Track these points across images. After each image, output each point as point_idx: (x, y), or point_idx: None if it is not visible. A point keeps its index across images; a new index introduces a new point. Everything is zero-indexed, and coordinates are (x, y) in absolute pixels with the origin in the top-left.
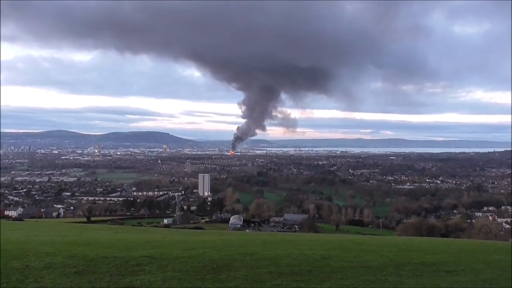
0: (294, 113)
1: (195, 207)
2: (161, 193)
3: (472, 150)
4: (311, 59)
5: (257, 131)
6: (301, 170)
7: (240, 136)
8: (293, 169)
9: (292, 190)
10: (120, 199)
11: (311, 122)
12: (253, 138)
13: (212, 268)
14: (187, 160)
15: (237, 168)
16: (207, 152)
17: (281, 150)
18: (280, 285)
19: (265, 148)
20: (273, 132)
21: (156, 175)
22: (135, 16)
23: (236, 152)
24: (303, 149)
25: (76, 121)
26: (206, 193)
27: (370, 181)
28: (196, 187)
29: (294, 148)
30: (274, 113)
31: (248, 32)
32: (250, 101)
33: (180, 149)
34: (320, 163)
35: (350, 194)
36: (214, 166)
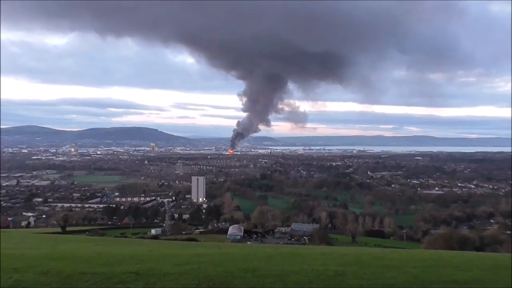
0: (304, 106)
1: (187, 215)
2: (148, 199)
3: None
4: (324, 43)
5: (260, 126)
6: (312, 173)
7: (241, 133)
8: (302, 171)
9: (301, 195)
10: (101, 206)
11: (324, 117)
12: (255, 135)
13: (208, 286)
14: (179, 161)
15: (236, 170)
16: (202, 151)
17: (288, 149)
18: None
19: (270, 147)
20: (279, 128)
21: (142, 178)
22: None
23: (235, 151)
24: (313, 147)
25: (50, 115)
26: (200, 199)
27: (392, 185)
28: (189, 192)
29: (303, 147)
30: (280, 106)
31: (250, 11)
32: (252, 91)
33: (171, 147)
34: (334, 164)
35: (369, 201)
36: (210, 167)
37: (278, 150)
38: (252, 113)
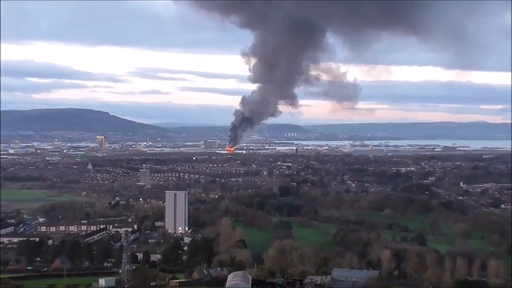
0: (354, 73)
1: (159, 256)
2: (94, 228)
3: None
4: None
5: (281, 107)
6: (366, 184)
7: (248, 118)
8: (349, 181)
9: (348, 222)
10: (15, 239)
11: (387, 91)
12: (272, 121)
13: None
14: (144, 165)
15: (240, 180)
16: (182, 149)
17: (326, 145)
18: None
19: (296, 141)
20: (311, 110)
21: (84, 193)
22: None
23: (238, 149)
24: (369, 142)
25: None
26: (180, 228)
27: (502, 206)
28: (161, 217)
29: (351, 141)
30: (313, 73)
31: None
32: (267, 49)
33: (131, 142)
34: (403, 170)
35: (462, 231)
36: (197, 176)
37: (309, 147)
38: (267, 84)
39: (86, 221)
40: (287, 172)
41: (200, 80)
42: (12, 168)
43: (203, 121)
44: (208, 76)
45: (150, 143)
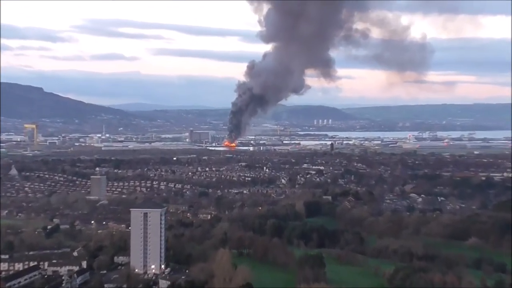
0: (420, 27)
1: None
2: (20, 266)
3: None
4: None
5: (308, 79)
6: (440, 199)
7: (258, 95)
8: (413, 194)
9: (413, 257)
10: None
11: (471, 54)
12: (296, 101)
13: None
14: (98, 169)
15: (245, 192)
16: (156, 145)
17: (378, 138)
18: None
19: (331, 132)
20: (354, 84)
21: (5, 212)
22: None
23: (243, 144)
24: (444, 134)
25: None
26: (153, 266)
27: None
28: (125, 249)
29: (415, 133)
30: (358, 26)
31: None
32: None
33: (79, 135)
34: (498, 176)
35: None
36: (179, 185)
37: (352, 142)
38: (288, 44)
39: (7, 256)
40: (318, 179)
41: (183, 38)
42: None
43: (189, 102)
44: (196, 32)
45: (108, 135)
